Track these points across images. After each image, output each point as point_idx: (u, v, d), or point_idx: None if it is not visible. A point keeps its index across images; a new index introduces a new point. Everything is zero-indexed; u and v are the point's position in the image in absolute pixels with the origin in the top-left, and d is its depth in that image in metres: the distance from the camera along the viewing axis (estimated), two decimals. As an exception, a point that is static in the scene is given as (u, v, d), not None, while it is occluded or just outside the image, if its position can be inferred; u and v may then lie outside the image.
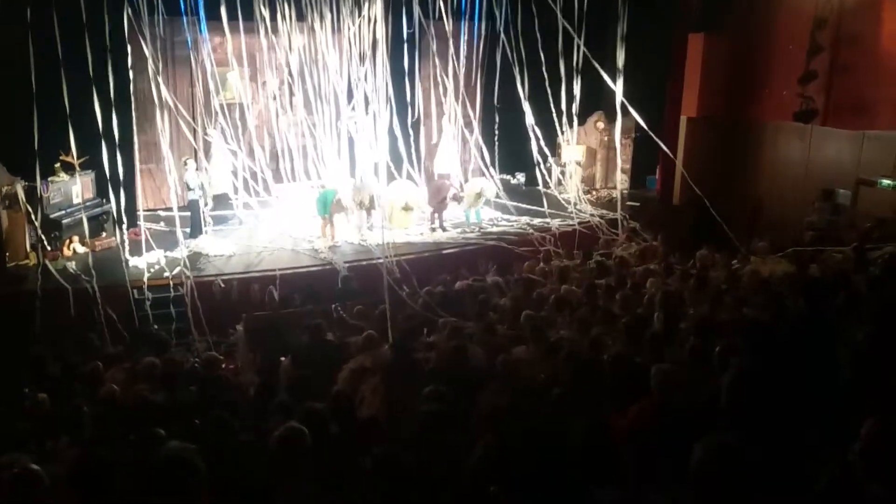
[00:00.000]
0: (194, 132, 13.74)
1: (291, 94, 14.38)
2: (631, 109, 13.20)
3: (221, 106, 13.65)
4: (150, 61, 12.24)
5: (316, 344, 7.94)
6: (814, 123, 13.41)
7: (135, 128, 12.79)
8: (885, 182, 12.57)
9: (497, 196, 14.98)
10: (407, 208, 13.82)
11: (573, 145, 16.04)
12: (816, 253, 11.03)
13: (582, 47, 13.71)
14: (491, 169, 15.78)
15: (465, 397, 5.22)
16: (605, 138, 16.90)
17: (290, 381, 7.07)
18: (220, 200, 13.99)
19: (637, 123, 13.55)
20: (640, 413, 4.41)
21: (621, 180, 16.19)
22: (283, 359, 7.74)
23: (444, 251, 13.26)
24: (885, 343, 5.24)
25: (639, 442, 4.22)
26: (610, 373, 5.17)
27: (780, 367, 4.72)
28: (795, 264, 10.16)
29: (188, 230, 12.91)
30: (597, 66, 13.06)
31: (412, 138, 15.08)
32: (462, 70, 15.69)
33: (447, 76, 14.96)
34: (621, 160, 16.01)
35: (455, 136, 15.66)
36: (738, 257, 10.90)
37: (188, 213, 13.11)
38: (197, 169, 13.28)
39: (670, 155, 14.20)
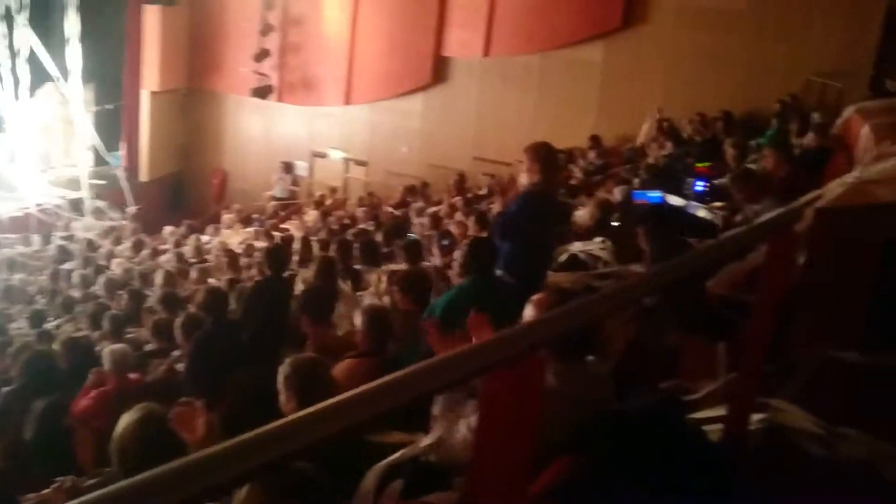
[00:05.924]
0: None
1: None
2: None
3: None
4: None
5: None
6: (270, 99, 14.25)
7: None
8: (334, 153, 14.05)
9: None
10: None
11: (25, 118, 14.36)
12: (282, 220, 11.86)
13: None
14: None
15: None
16: (64, 111, 15.52)
17: None
18: None
19: (98, 96, 12.70)
20: (96, 399, 4.27)
21: (85, 157, 15.07)
22: None
23: None
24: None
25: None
26: (63, 359, 4.89)
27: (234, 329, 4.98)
28: (263, 234, 10.73)
29: None
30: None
31: None
32: None
33: None
34: (83, 135, 14.88)
35: None
36: (208, 229, 11.13)
37: None
38: None
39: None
